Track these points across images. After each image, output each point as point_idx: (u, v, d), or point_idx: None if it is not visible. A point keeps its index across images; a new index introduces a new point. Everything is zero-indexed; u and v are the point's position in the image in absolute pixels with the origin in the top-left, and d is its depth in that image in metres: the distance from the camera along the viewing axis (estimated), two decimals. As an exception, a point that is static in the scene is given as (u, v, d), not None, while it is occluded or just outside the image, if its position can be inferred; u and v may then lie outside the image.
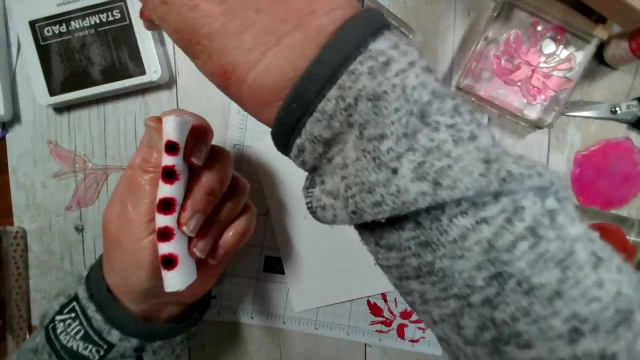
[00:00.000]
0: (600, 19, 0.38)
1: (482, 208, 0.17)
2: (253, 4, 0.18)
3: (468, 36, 0.42)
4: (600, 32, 0.38)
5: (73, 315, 0.31)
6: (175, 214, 0.28)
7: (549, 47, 0.39)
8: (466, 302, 0.18)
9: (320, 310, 0.45)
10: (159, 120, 0.28)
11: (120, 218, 0.30)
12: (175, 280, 0.28)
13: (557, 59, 0.39)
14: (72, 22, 0.41)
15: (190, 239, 0.29)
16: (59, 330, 0.31)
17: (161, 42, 0.43)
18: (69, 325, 0.31)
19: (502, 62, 0.39)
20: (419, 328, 0.44)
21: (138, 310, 0.32)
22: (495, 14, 0.39)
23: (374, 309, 0.44)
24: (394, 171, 0.17)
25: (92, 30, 0.41)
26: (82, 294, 0.32)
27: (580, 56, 0.39)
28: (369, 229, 0.20)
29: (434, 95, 0.18)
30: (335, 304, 0.44)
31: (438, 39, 0.42)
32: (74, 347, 0.31)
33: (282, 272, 0.44)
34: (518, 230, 0.17)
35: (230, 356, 0.46)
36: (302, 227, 0.43)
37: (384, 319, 0.44)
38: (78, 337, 0.31)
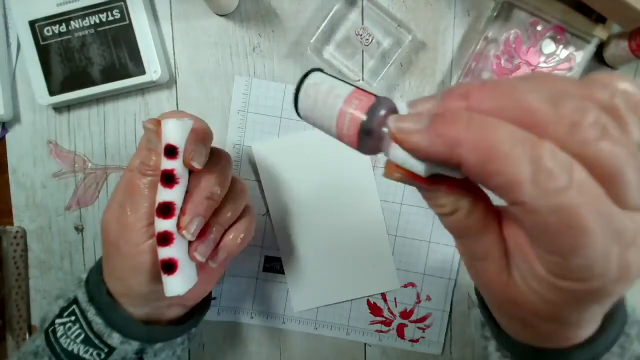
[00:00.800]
0: (600, 19, 0.38)
1: None
2: None
3: (468, 36, 0.42)
4: (600, 32, 0.38)
5: (73, 318, 0.31)
6: (175, 218, 0.28)
7: (549, 47, 0.39)
8: None
9: (320, 310, 0.45)
10: (158, 123, 0.28)
11: (119, 222, 0.30)
12: (175, 285, 0.28)
13: (557, 59, 0.39)
14: (72, 22, 0.41)
15: (191, 243, 0.29)
16: (59, 334, 0.31)
17: (161, 42, 0.43)
18: (70, 328, 0.31)
19: (502, 62, 0.39)
20: (419, 328, 0.44)
21: (139, 314, 0.32)
22: (495, 14, 0.39)
23: (374, 309, 0.44)
24: None
25: (92, 30, 0.41)
26: (82, 298, 0.32)
27: (580, 56, 0.39)
28: None
29: None
30: (335, 304, 0.44)
31: (438, 39, 0.42)
32: (75, 351, 0.30)
33: (282, 272, 0.44)
34: None
35: (230, 356, 0.46)
36: (302, 227, 0.43)
37: (384, 319, 0.44)
38: (79, 340, 0.31)
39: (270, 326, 0.45)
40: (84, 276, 0.34)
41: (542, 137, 0.14)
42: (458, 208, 0.18)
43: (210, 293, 0.39)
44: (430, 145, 0.15)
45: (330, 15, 0.40)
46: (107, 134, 0.44)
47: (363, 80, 0.42)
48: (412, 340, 0.44)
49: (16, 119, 0.44)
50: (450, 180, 0.18)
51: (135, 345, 0.31)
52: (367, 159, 0.43)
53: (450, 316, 0.44)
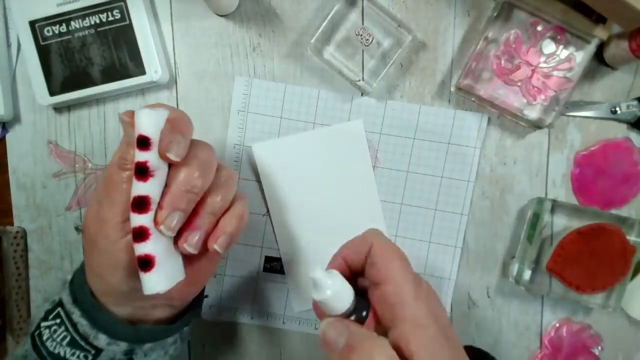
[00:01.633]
0: (600, 19, 0.38)
1: None
2: None
3: (468, 36, 0.42)
4: (600, 32, 0.38)
5: (58, 321, 0.31)
6: (150, 213, 0.27)
7: (549, 47, 0.39)
8: None
9: (320, 310, 0.45)
10: (132, 114, 0.27)
11: (97, 217, 0.29)
12: (153, 282, 0.27)
13: (557, 59, 0.39)
14: (72, 22, 0.41)
15: (179, 235, 0.28)
16: (44, 337, 0.30)
17: (161, 42, 0.43)
18: (55, 331, 0.30)
19: (502, 62, 0.39)
20: (419, 328, 0.44)
21: (123, 313, 0.31)
22: (495, 14, 0.39)
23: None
24: None
25: (92, 30, 0.41)
26: (66, 299, 0.31)
27: (580, 56, 0.39)
28: None
29: None
30: (335, 304, 0.44)
31: (438, 39, 0.42)
32: (61, 354, 0.30)
33: (282, 272, 0.44)
34: None
35: (230, 356, 0.46)
36: (302, 227, 0.43)
37: (384, 319, 0.44)
38: (64, 343, 0.30)
39: (270, 326, 0.45)
40: (69, 277, 0.33)
41: None
42: None
43: (203, 292, 0.38)
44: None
45: (330, 15, 0.40)
46: (107, 134, 0.44)
47: (363, 80, 0.42)
48: (412, 340, 0.44)
49: (16, 119, 0.44)
50: None
51: (122, 345, 0.31)
52: (367, 159, 0.43)
53: (450, 316, 0.44)
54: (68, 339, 0.30)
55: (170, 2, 0.43)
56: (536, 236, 0.41)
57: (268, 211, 0.43)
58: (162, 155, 0.27)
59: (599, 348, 0.43)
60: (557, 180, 0.43)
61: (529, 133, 0.42)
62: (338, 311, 0.29)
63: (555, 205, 0.41)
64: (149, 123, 0.26)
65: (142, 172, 0.26)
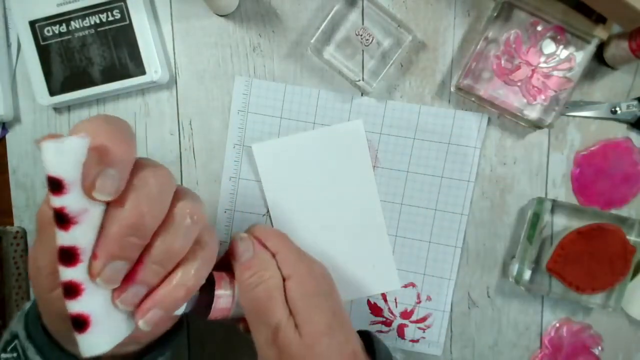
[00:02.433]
0: (600, 19, 0.38)
1: None
2: None
3: (468, 36, 0.42)
4: (600, 32, 0.38)
5: (15, 355, 0.28)
6: (81, 265, 0.22)
7: (549, 47, 0.39)
8: None
9: (320, 310, 0.45)
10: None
11: (33, 264, 0.25)
12: (91, 344, 0.23)
13: (557, 59, 0.39)
14: (72, 22, 0.41)
15: (115, 289, 0.24)
16: None
17: (161, 42, 0.43)
18: None
19: (502, 62, 0.39)
20: (419, 328, 0.44)
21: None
22: (495, 14, 0.39)
23: (374, 309, 0.44)
24: None
25: (92, 30, 0.41)
26: (22, 333, 0.29)
27: (580, 56, 0.39)
28: None
29: None
30: (335, 304, 0.44)
31: (438, 39, 0.42)
32: None
33: (282, 272, 0.44)
34: None
35: (230, 356, 0.46)
36: (302, 227, 0.43)
37: (384, 319, 0.44)
38: None
39: (270, 326, 0.45)
40: (27, 306, 0.30)
41: None
42: None
43: (182, 319, 0.34)
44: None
45: (330, 15, 0.40)
46: (107, 134, 0.44)
47: (363, 80, 0.42)
48: (412, 340, 0.44)
49: (16, 119, 0.44)
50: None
51: None
52: (367, 159, 0.43)
53: (450, 316, 0.44)
54: None
55: (170, 2, 0.43)
56: (536, 236, 0.41)
57: (268, 211, 0.43)
58: (88, 195, 0.21)
59: (599, 348, 0.43)
60: (557, 180, 0.43)
61: (529, 133, 0.42)
62: None
63: (555, 205, 0.41)
64: (60, 161, 0.20)
65: (61, 220, 0.21)
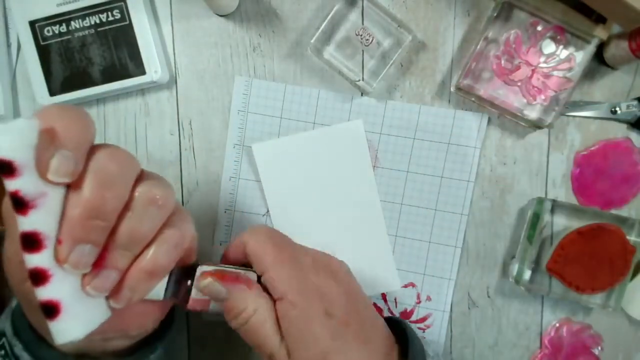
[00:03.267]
0: (600, 19, 0.38)
1: None
2: None
3: (468, 36, 0.42)
4: (600, 32, 0.38)
5: (2, 352, 0.28)
6: (46, 250, 0.22)
7: (549, 47, 0.39)
8: None
9: (320, 310, 0.45)
10: None
11: (5, 255, 0.24)
12: (62, 331, 0.22)
13: (557, 59, 0.39)
14: (72, 22, 0.41)
15: (86, 274, 0.23)
16: None
17: (161, 42, 0.43)
18: None
19: (502, 62, 0.39)
20: (419, 328, 0.44)
21: (69, 347, 0.27)
22: (495, 14, 0.39)
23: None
24: None
25: (92, 30, 0.41)
26: (9, 330, 0.28)
27: (580, 56, 0.39)
28: None
29: None
30: (335, 304, 0.44)
31: (438, 39, 0.42)
32: None
33: (282, 272, 0.44)
34: None
35: (230, 356, 0.46)
36: (302, 227, 0.43)
37: (384, 319, 0.44)
38: None
39: (270, 326, 0.45)
40: (14, 303, 0.30)
41: None
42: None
43: (172, 313, 0.33)
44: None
45: (330, 15, 0.40)
46: (107, 134, 0.44)
47: (363, 80, 0.42)
48: (412, 340, 0.44)
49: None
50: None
51: None
52: (367, 159, 0.43)
53: (450, 316, 0.44)
54: None
55: (170, 2, 0.43)
56: (536, 236, 0.41)
57: (268, 211, 0.43)
58: (44, 177, 0.21)
59: (599, 348, 0.43)
60: (557, 180, 0.43)
61: (529, 133, 0.42)
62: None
63: (555, 205, 0.41)
64: (7, 142, 0.20)
65: (18, 204, 0.21)
